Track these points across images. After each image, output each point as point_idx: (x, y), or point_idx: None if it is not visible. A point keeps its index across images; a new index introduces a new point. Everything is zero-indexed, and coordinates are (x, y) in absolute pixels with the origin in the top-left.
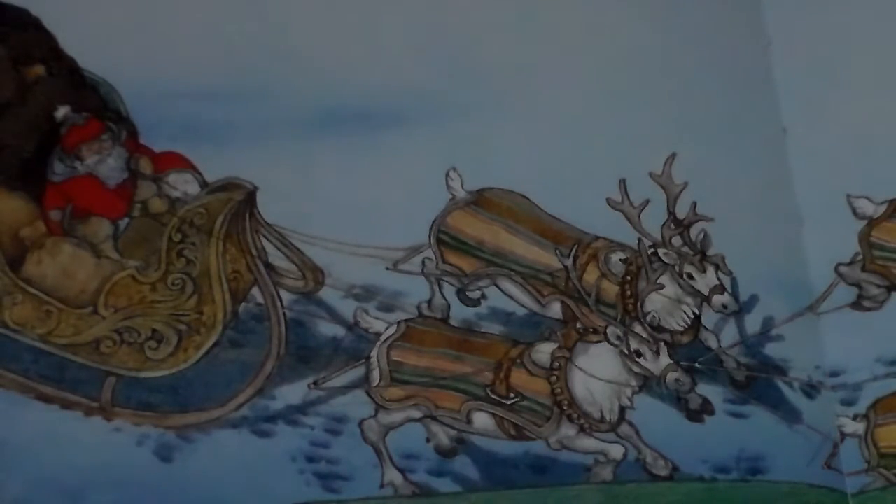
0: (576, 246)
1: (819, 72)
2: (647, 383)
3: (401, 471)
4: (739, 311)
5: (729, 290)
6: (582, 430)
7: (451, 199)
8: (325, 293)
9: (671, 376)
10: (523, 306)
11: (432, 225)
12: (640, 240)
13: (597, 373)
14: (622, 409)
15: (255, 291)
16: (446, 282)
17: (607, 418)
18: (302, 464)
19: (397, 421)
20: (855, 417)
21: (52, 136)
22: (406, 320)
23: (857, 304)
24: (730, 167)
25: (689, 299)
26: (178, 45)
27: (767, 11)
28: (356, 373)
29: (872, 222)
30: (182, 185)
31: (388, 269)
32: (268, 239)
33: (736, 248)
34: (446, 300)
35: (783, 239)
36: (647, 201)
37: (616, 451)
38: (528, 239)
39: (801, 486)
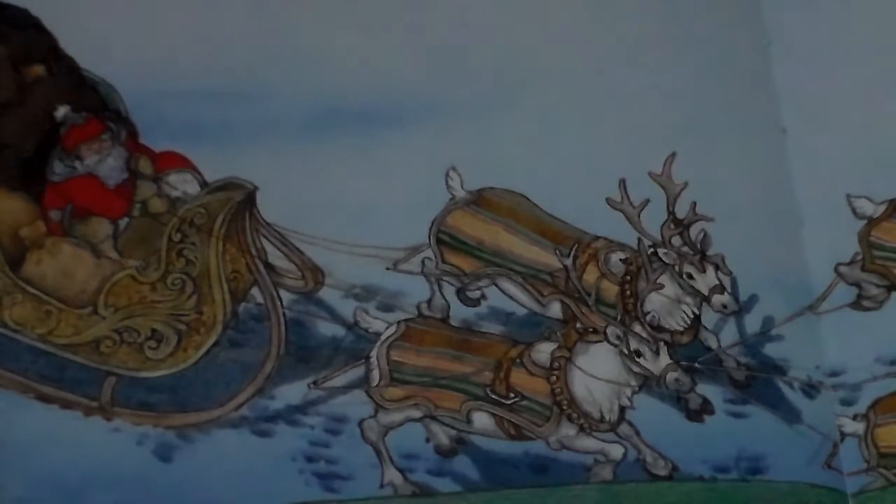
0: (575, 246)
1: (819, 72)
2: (647, 383)
3: (401, 471)
4: (739, 310)
5: (729, 290)
6: (582, 429)
7: (450, 198)
8: (325, 293)
9: (671, 376)
10: (523, 306)
11: (432, 225)
12: (639, 240)
13: (597, 373)
14: (622, 409)
15: (254, 291)
16: (446, 282)
17: (607, 418)
18: (302, 464)
19: (397, 421)
20: (855, 417)
21: (52, 136)
22: (406, 320)
23: (856, 304)
24: (730, 167)
25: (688, 299)
26: (178, 45)
27: (767, 11)
28: (356, 373)
29: (872, 222)
30: (182, 185)
31: (388, 269)
32: (268, 239)
33: (736, 248)
34: (446, 300)
35: (783, 239)
36: (647, 201)
37: (616, 451)
38: (527, 239)
39: (801, 485)
